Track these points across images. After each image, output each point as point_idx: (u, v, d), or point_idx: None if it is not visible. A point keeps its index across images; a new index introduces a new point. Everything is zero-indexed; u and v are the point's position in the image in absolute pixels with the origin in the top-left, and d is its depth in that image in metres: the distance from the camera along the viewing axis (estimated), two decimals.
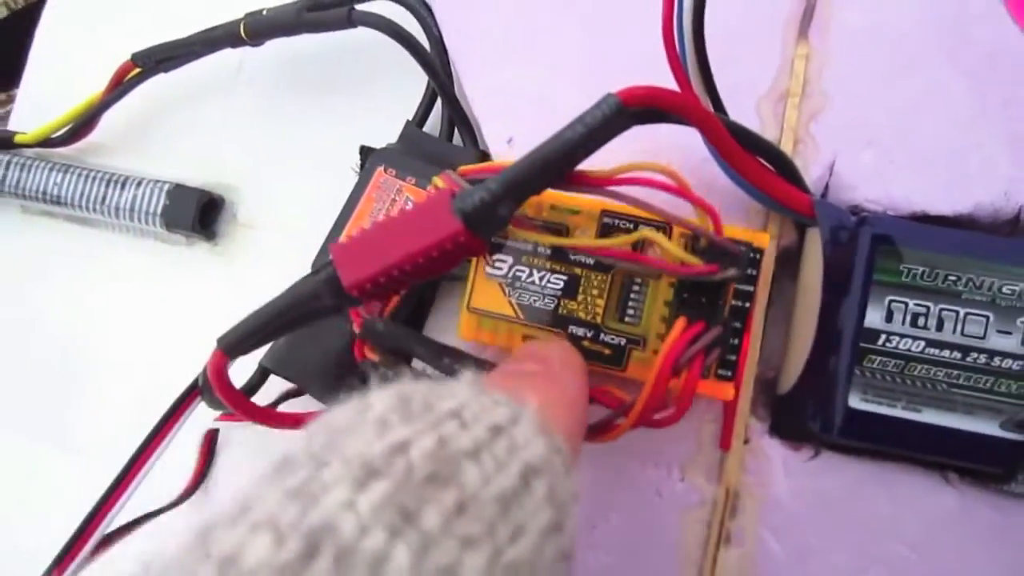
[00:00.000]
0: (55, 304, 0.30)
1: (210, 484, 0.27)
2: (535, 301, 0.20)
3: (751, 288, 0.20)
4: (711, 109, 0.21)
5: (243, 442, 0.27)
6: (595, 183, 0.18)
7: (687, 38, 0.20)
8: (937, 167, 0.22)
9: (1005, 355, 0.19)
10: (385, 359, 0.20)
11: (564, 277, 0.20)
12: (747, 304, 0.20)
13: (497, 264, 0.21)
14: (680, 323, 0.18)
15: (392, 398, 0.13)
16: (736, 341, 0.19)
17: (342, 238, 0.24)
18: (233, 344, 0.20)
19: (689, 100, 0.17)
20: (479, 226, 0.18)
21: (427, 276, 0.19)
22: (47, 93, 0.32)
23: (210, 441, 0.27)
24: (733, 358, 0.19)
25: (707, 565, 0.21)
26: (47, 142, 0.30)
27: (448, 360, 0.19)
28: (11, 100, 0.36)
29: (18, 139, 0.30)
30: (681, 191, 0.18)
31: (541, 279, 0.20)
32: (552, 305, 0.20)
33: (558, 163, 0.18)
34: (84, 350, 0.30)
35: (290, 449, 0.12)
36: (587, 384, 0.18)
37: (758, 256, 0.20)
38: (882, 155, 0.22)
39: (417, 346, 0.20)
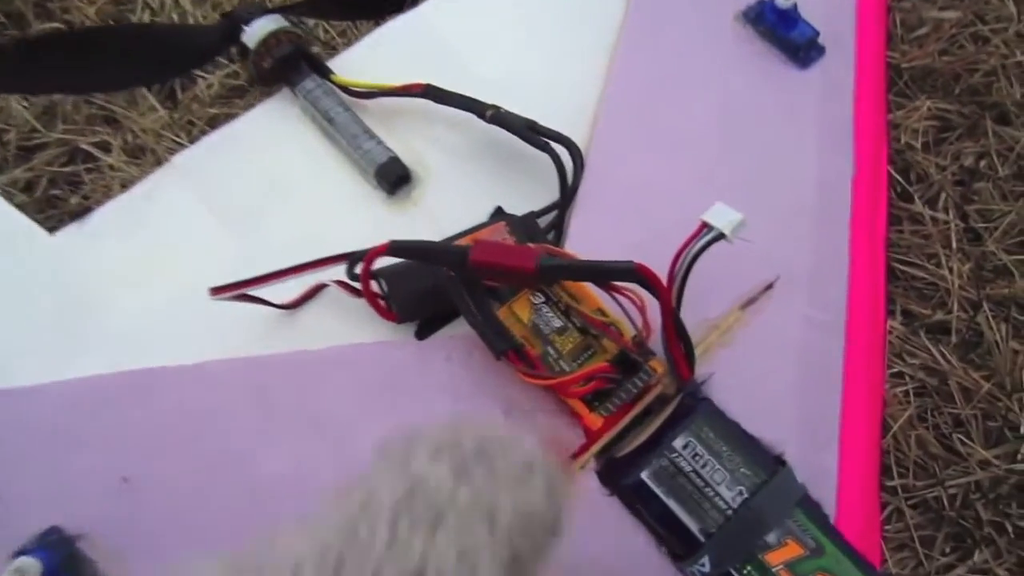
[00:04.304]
0: (285, 168, 0.48)
1: (296, 313, 0.44)
2: (539, 324, 0.37)
3: (642, 383, 0.37)
4: (674, 303, 0.38)
5: (332, 303, 0.44)
6: (611, 287, 0.36)
7: (684, 268, 0.38)
8: (760, 411, 0.39)
9: (722, 498, 0.35)
10: None
11: (561, 323, 0.38)
12: (635, 389, 0.37)
13: (536, 295, 0.38)
14: (605, 362, 0.36)
15: (447, 421, 0.22)
16: (619, 402, 0.36)
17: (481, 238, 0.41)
18: (397, 248, 0.37)
19: (661, 286, 0.35)
20: (542, 275, 0.35)
21: (506, 280, 0.36)
22: (362, 63, 0.51)
23: (317, 289, 0.43)
24: (612, 409, 0.36)
25: None
26: (345, 89, 0.49)
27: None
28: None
29: (332, 77, 0.49)
30: (641, 310, 0.36)
31: (550, 317, 0.38)
32: (547, 332, 0.37)
33: (587, 274, 0.36)
34: (283, 200, 0.47)
35: (388, 442, 0.21)
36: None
37: (653, 371, 0.37)
38: (738, 387, 0.39)
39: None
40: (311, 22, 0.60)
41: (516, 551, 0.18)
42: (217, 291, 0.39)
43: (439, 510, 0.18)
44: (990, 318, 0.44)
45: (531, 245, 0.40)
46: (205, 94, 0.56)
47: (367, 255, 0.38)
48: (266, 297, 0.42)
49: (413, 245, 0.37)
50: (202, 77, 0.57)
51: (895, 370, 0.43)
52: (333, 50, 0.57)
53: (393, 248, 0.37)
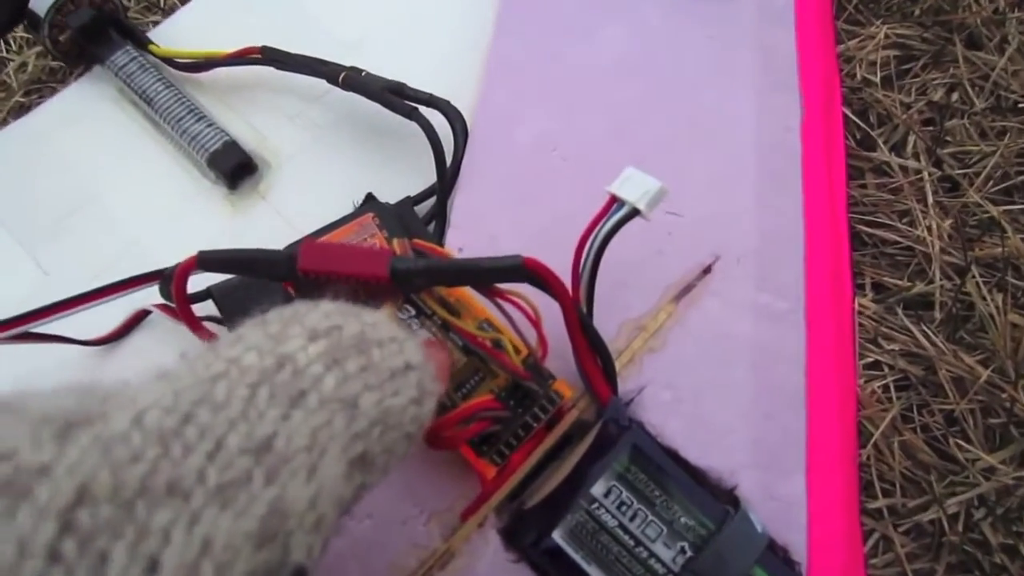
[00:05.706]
0: (97, 163, 0.38)
1: (118, 345, 0.34)
2: None
3: (544, 415, 0.28)
4: (583, 305, 0.29)
5: (159, 332, 0.34)
6: (493, 292, 0.27)
7: (591, 257, 0.29)
8: (705, 432, 0.30)
9: (659, 559, 0.27)
10: None
11: None
12: (535, 423, 0.28)
13: (404, 310, 0.29)
14: (489, 396, 0.26)
15: (336, 303, 0.20)
16: (516, 443, 0.27)
17: (317, 240, 0.32)
18: (207, 260, 0.27)
19: (560, 285, 0.26)
20: (398, 281, 0.26)
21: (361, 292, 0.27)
22: (193, 30, 0.41)
23: (139, 317, 0.34)
24: (507, 453, 0.27)
25: None
26: (169, 61, 0.39)
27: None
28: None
29: (152, 47, 0.39)
30: (535, 323, 0.27)
31: (423, 335, 0.28)
32: None
33: (465, 276, 0.26)
34: (96, 203, 0.37)
35: (269, 314, 0.19)
36: (448, 365, 0.26)
37: (558, 397, 0.28)
38: (676, 403, 0.31)
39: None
40: None
41: (368, 449, 0.17)
42: None
43: (302, 389, 0.17)
44: (980, 285, 0.35)
45: (396, 242, 0.30)
46: (14, 79, 0.45)
47: (175, 272, 0.29)
48: (70, 333, 0.33)
49: (226, 256, 0.27)
50: (10, 59, 0.46)
51: (870, 360, 0.34)
52: None
53: (202, 261, 0.28)
